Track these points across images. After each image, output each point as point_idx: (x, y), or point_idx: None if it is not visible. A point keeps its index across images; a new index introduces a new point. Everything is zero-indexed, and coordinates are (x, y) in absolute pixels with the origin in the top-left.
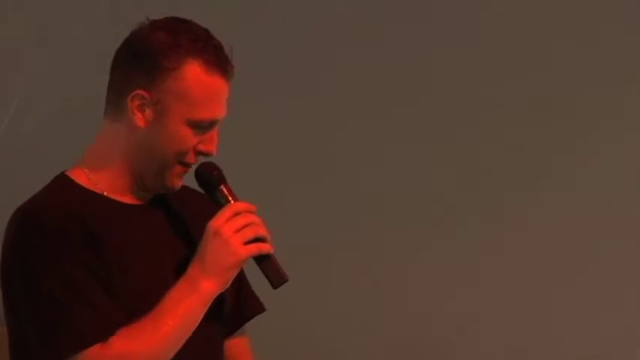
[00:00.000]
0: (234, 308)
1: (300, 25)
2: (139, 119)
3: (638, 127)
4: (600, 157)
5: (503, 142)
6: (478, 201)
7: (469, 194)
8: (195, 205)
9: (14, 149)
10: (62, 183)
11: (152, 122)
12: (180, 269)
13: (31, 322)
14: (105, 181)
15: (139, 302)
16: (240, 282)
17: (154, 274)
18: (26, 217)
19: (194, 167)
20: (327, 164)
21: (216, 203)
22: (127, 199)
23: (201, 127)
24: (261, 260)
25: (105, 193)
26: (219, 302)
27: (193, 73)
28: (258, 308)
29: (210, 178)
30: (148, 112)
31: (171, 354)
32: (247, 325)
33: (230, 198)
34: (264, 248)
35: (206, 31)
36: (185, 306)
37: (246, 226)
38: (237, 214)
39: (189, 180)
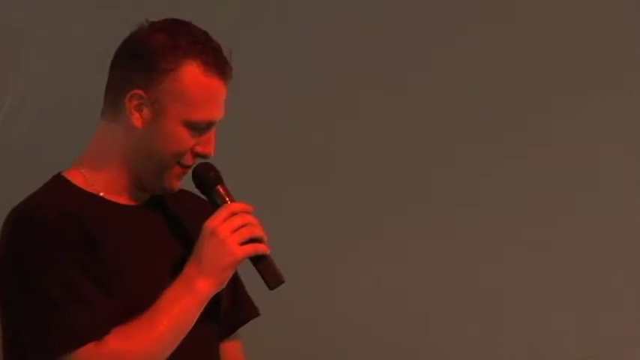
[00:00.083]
0: (229, 311)
1: (298, 26)
2: (137, 119)
3: (638, 127)
4: (600, 157)
5: (504, 142)
6: (478, 201)
7: (469, 194)
8: (191, 208)
9: (8, 148)
10: (58, 184)
11: (149, 122)
12: (176, 269)
13: (26, 322)
14: (102, 181)
15: (134, 302)
16: (236, 285)
17: (150, 274)
18: (22, 217)
19: (191, 168)
20: (324, 165)
21: (213, 204)
22: (124, 200)
23: (199, 128)
24: (258, 261)
25: (101, 194)
26: (215, 303)
27: (191, 74)
28: (252, 312)
29: (207, 179)
30: (146, 112)
31: (167, 354)
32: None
33: (227, 199)
34: (261, 249)
35: (205, 33)
36: (181, 306)
37: (242, 226)
38: (233, 214)
39: (186, 181)
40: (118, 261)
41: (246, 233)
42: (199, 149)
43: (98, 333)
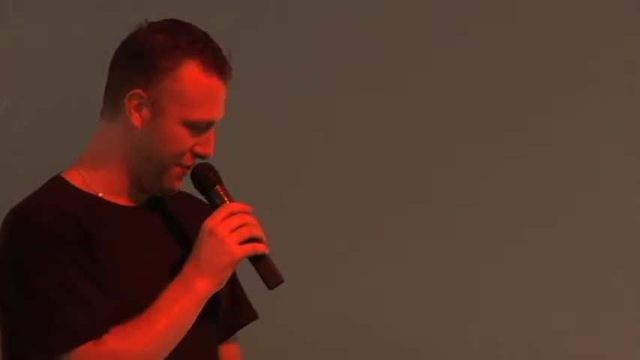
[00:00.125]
0: (227, 314)
1: (298, 26)
2: (136, 119)
3: (638, 127)
4: (600, 157)
5: (504, 142)
6: (478, 201)
7: (469, 194)
8: (190, 210)
9: (7, 148)
10: (57, 184)
11: (149, 122)
12: (174, 270)
13: (24, 322)
14: (101, 182)
15: (132, 302)
16: (234, 287)
17: (148, 274)
18: (21, 217)
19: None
20: (324, 165)
21: (212, 204)
22: (123, 201)
23: (198, 128)
24: (257, 261)
25: (100, 195)
26: (214, 302)
27: (190, 73)
28: (251, 315)
29: (206, 179)
30: (145, 111)
31: (165, 353)
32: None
33: (226, 199)
34: (260, 248)
35: (205, 34)
36: (179, 305)
37: (241, 226)
38: (232, 214)
39: (185, 182)
40: (116, 261)
41: (244, 233)
42: (199, 150)
43: (96, 332)
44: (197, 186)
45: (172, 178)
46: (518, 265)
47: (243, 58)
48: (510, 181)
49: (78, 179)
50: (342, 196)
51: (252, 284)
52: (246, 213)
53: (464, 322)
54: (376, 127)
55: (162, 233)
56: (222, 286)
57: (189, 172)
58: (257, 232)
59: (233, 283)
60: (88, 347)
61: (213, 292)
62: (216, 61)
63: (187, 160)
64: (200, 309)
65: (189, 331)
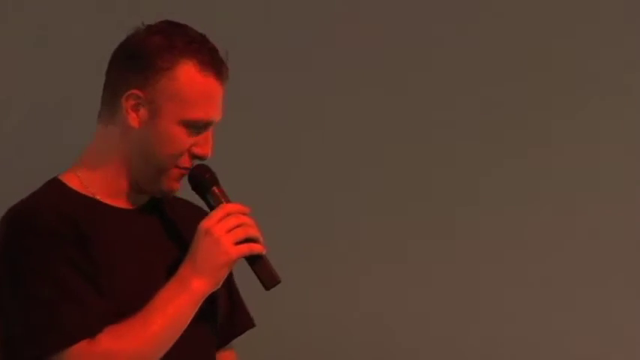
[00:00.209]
0: (224, 322)
1: (298, 26)
2: (133, 119)
3: (638, 127)
4: (600, 157)
5: (504, 142)
6: (478, 201)
7: (469, 194)
8: (186, 214)
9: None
10: (54, 186)
11: (146, 123)
12: (170, 271)
13: (19, 321)
14: (99, 184)
15: (128, 303)
16: (232, 294)
17: (144, 275)
18: (19, 218)
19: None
20: (323, 165)
21: (208, 205)
22: (120, 203)
23: (195, 127)
24: (254, 261)
25: (97, 197)
26: (210, 303)
27: (187, 73)
28: (248, 324)
29: (203, 180)
30: (143, 111)
31: (160, 354)
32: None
33: (222, 200)
34: (256, 248)
35: (202, 35)
36: (175, 305)
37: (237, 226)
38: (229, 214)
39: (183, 185)
40: (112, 261)
41: (240, 233)
42: (196, 150)
43: (91, 331)
44: (194, 187)
45: (171, 180)
46: (518, 266)
47: (240, 59)
48: (510, 181)
49: (75, 181)
50: (342, 196)
51: (249, 285)
52: (243, 214)
53: (464, 322)
54: (376, 127)
55: (159, 235)
56: (219, 286)
57: (187, 173)
58: (253, 232)
59: (230, 289)
60: (82, 346)
61: (210, 292)
62: (213, 61)
63: (185, 161)
64: (196, 309)
65: (185, 332)
